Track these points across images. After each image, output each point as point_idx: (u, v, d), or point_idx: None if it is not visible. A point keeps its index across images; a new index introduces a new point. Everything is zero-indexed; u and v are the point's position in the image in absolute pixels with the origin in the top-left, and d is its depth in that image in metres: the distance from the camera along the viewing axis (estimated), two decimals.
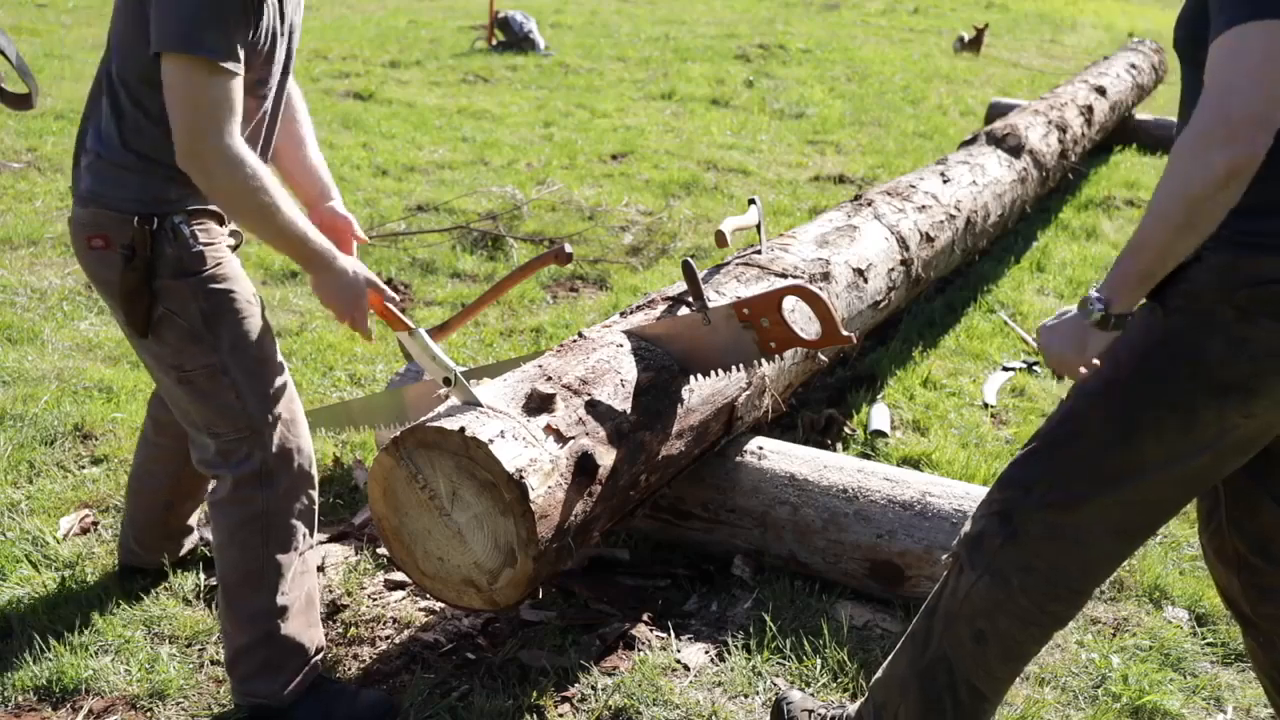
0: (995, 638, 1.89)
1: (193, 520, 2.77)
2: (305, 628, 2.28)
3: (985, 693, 1.96)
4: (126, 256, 2.08)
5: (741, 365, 2.51)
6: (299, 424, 2.27)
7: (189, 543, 2.78)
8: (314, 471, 2.30)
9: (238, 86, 1.97)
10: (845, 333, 2.43)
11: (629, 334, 2.59)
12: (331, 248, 2.15)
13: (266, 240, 2.12)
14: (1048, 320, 1.84)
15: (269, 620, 2.23)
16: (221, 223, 2.21)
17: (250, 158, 2.00)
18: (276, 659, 2.24)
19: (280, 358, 2.28)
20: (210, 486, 2.29)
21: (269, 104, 2.20)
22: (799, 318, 2.50)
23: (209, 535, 2.81)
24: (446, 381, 2.20)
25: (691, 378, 2.57)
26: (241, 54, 1.97)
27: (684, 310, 2.73)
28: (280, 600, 2.23)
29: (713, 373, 2.56)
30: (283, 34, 2.13)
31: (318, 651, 2.31)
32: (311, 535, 2.32)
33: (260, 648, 2.24)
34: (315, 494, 2.31)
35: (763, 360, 2.49)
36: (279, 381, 2.24)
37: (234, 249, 2.29)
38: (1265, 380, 1.65)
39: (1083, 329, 1.73)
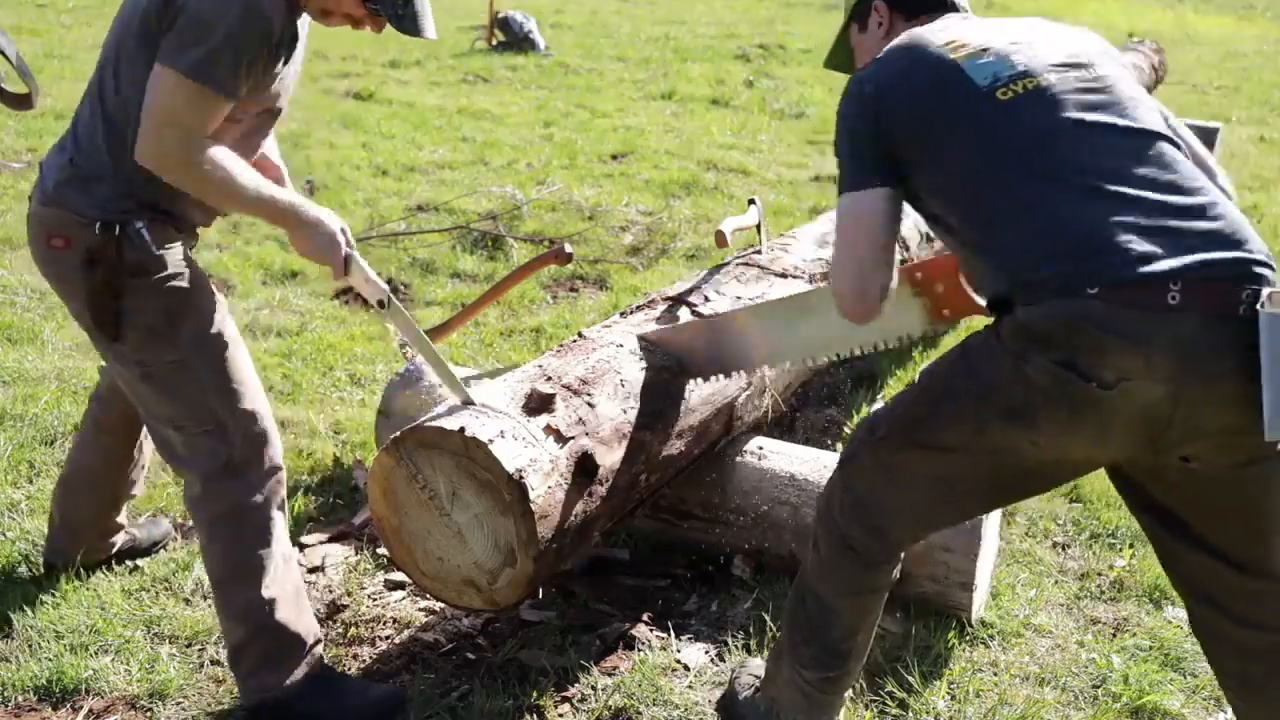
0: (822, 545, 2.09)
1: (123, 518, 2.77)
2: (298, 616, 2.29)
3: (828, 603, 2.09)
4: (87, 261, 2.11)
5: (903, 337, 2.21)
6: (265, 418, 2.29)
7: (119, 540, 2.77)
8: (282, 464, 2.32)
9: (220, 115, 2.05)
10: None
11: (759, 307, 2.49)
12: (300, 201, 2.18)
13: (240, 210, 2.19)
14: None
15: (260, 613, 2.24)
16: (180, 229, 2.24)
17: (203, 145, 2.04)
18: (275, 650, 2.25)
19: (244, 353, 2.30)
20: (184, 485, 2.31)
21: (257, 124, 2.25)
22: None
23: (137, 533, 2.81)
24: (467, 403, 2.22)
25: (692, 379, 2.56)
26: (243, 91, 2.04)
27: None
28: (267, 592, 2.24)
29: (859, 349, 2.31)
30: (287, 74, 2.19)
31: (316, 641, 2.32)
32: (285, 527, 2.33)
33: (257, 641, 2.25)
34: (284, 485, 2.33)
35: (929, 329, 2.18)
36: (242, 376, 2.26)
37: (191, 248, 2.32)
38: (1039, 413, 1.73)
39: None
